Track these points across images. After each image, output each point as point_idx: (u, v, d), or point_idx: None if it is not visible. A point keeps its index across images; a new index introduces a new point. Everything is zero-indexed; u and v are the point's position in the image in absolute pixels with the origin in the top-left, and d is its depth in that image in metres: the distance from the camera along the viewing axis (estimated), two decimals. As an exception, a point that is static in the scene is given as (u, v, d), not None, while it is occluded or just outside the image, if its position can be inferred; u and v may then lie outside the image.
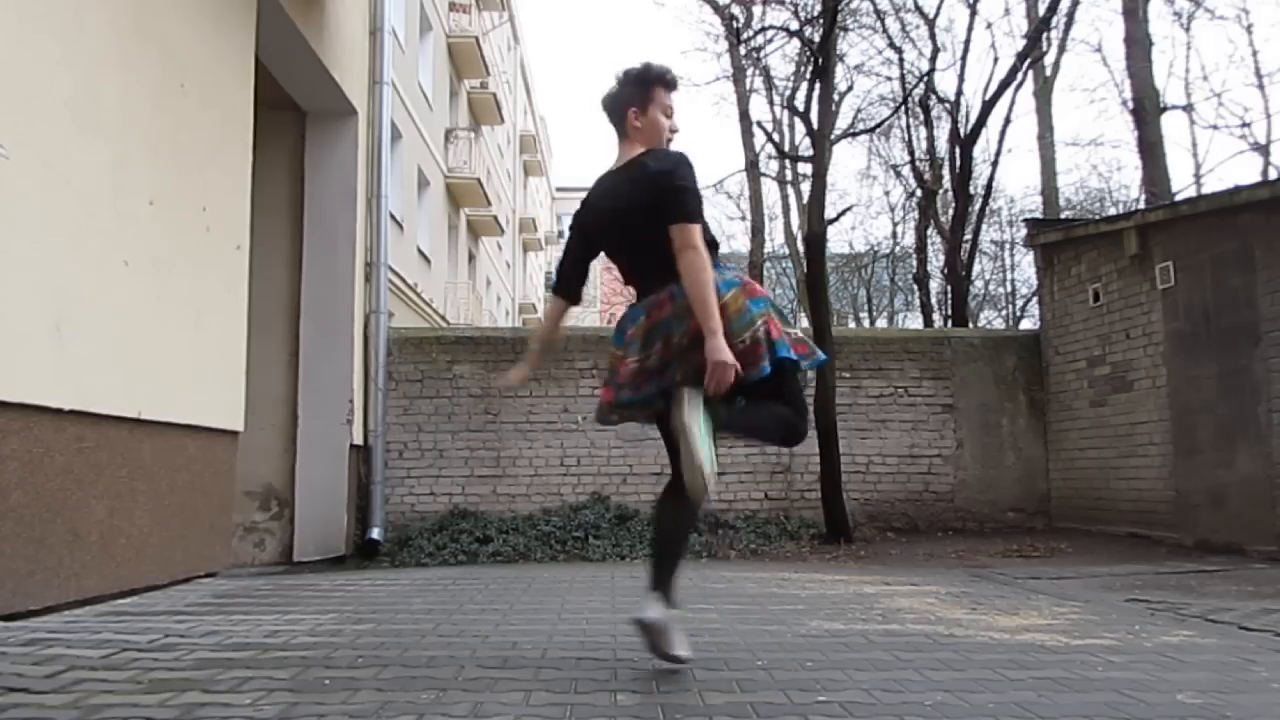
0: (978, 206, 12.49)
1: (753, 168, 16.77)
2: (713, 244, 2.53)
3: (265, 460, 6.73)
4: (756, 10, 11.70)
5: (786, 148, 17.13)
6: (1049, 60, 15.75)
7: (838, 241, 23.92)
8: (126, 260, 4.01)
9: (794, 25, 10.33)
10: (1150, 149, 11.77)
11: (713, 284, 2.38)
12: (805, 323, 15.97)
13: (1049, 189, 17.57)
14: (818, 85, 8.26)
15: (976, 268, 16.79)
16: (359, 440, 7.11)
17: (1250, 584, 4.58)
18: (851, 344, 8.09)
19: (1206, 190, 16.32)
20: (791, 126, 18.64)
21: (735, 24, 11.91)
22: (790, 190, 19.55)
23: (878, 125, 14.31)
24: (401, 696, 2.23)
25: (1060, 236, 7.98)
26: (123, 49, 4.00)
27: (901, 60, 12.71)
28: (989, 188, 12.59)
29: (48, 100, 3.51)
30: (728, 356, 2.29)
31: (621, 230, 2.58)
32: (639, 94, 2.61)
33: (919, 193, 13.60)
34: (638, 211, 2.49)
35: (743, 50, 13.31)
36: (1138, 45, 11.88)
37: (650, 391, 2.46)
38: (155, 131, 4.25)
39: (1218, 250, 6.19)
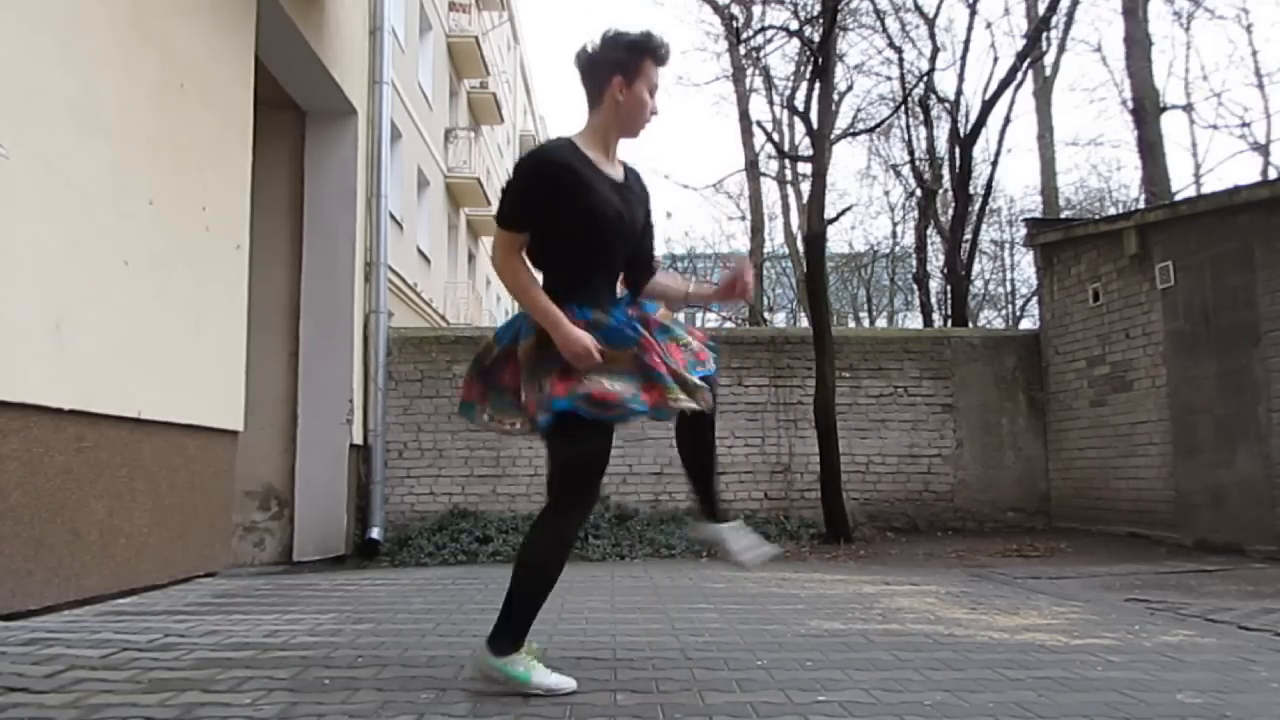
0: (977, 206, 12.48)
1: (752, 167, 16.79)
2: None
3: (265, 460, 6.73)
4: (756, 10, 11.70)
5: (786, 147, 17.13)
6: (1049, 60, 15.75)
7: (838, 241, 23.93)
8: (126, 260, 4.01)
9: (794, 25, 10.33)
10: (1150, 149, 11.78)
11: (522, 291, 2.26)
12: (805, 322, 15.99)
13: (1049, 189, 17.58)
14: (817, 85, 8.26)
15: (976, 268, 16.79)
16: (359, 440, 7.11)
17: (1250, 584, 4.58)
18: (851, 344, 8.09)
19: (1206, 190, 16.33)
20: (791, 126, 18.66)
21: (735, 24, 11.91)
22: (790, 190, 19.55)
23: (878, 125, 14.31)
24: (401, 696, 2.23)
25: (1060, 236, 7.98)
26: (122, 49, 4.00)
27: (901, 60, 12.71)
28: (989, 187, 12.59)
29: (48, 100, 3.51)
30: (583, 341, 2.17)
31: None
32: (629, 63, 2.30)
33: (919, 192, 13.59)
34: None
35: (743, 50, 13.32)
36: (1137, 45, 11.88)
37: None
38: (155, 131, 4.25)
39: (1217, 250, 6.19)
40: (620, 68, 2.30)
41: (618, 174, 2.39)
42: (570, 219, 2.26)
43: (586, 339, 2.18)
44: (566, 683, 2.26)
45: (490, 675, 2.23)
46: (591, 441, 2.24)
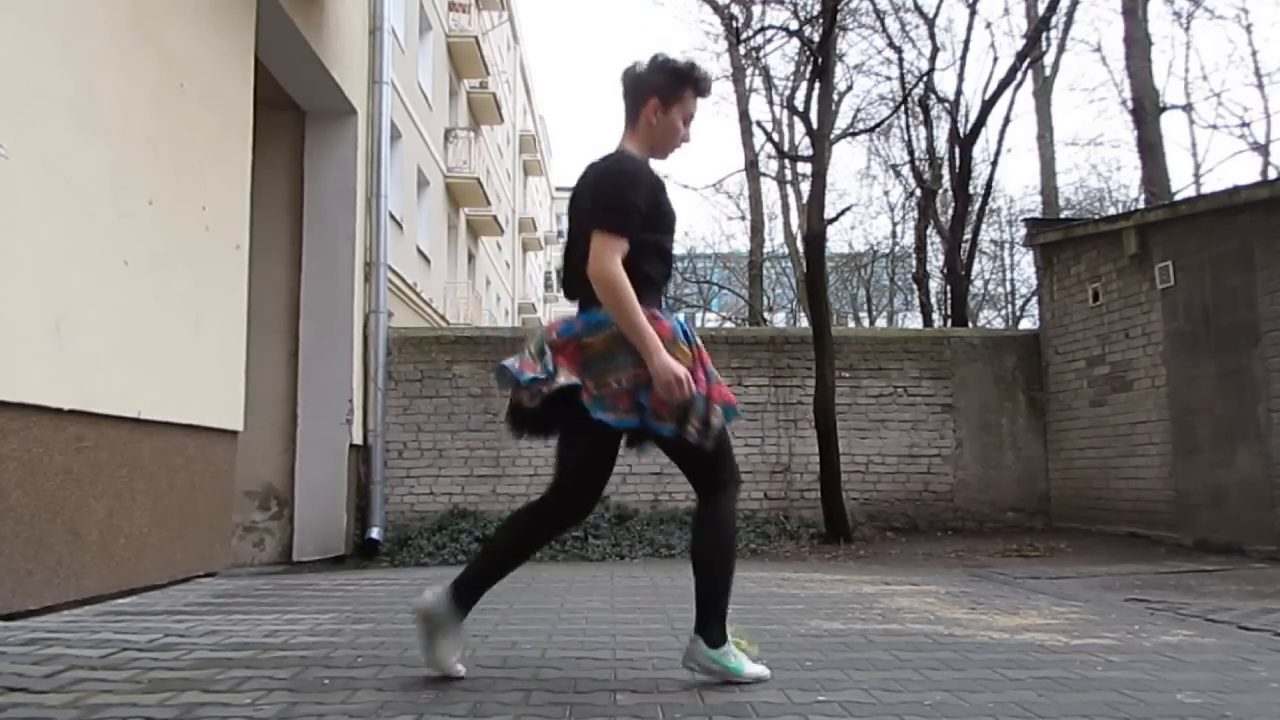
0: (977, 206, 12.49)
1: (752, 167, 16.80)
2: (652, 277, 2.36)
3: (265, 460, 6.73)
4: (756, 10, 11.70)
5: (786, 147, 17.14)
6: (1048, 60, 15.75)
7: (837, 241, 23.95)
8: (126, 260, 4.01)
9: (794, 25, 10.34)
10: (1150, 149, 11.78)
11: (626, 303, 2.22)
12: (805, 322, 15.98)
13: (1048, 189, 17.58)
14: (817, 85, 8.26)
15: (976, 267, 16.80)
16: (358, 440, 7.10)
17: (1250, 584, 4.58)
18: (851, 344, 8.09)
19: (1206, 190, 16.33)
20: (791, 126, 18.67)
21: (735, 24, 11.91)
22: (790, 190, 19.55)
23: (877, 125, 14.32)
24: (401, 696, 2.23)
25: (1060, 236, 7.98)
26: (122, 49, 4.00)
27: (901, 60, 12.73)
28: (988, 187, 12.59)
29: (48, 100, 3.51)
30: (677, 370, 2.19)
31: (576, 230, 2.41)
32: (670, 88, 2.40)
33: (918, 192, 13.60)
34: (583, 213, 2.36)
35: (742, 50, 13.32)
36: (1137, 45, 11.89)
37: (630, 421, 2.27)
38: (155, 131, 4.25)
39: (1217, 250, 6.19)
40: (659, 91, 2.40)
41: None
42: (659, 231, 2.38)
43: (680, 369, 2.21)
44: (764, 672, 2.38)
45: (708, 668, 2.33)
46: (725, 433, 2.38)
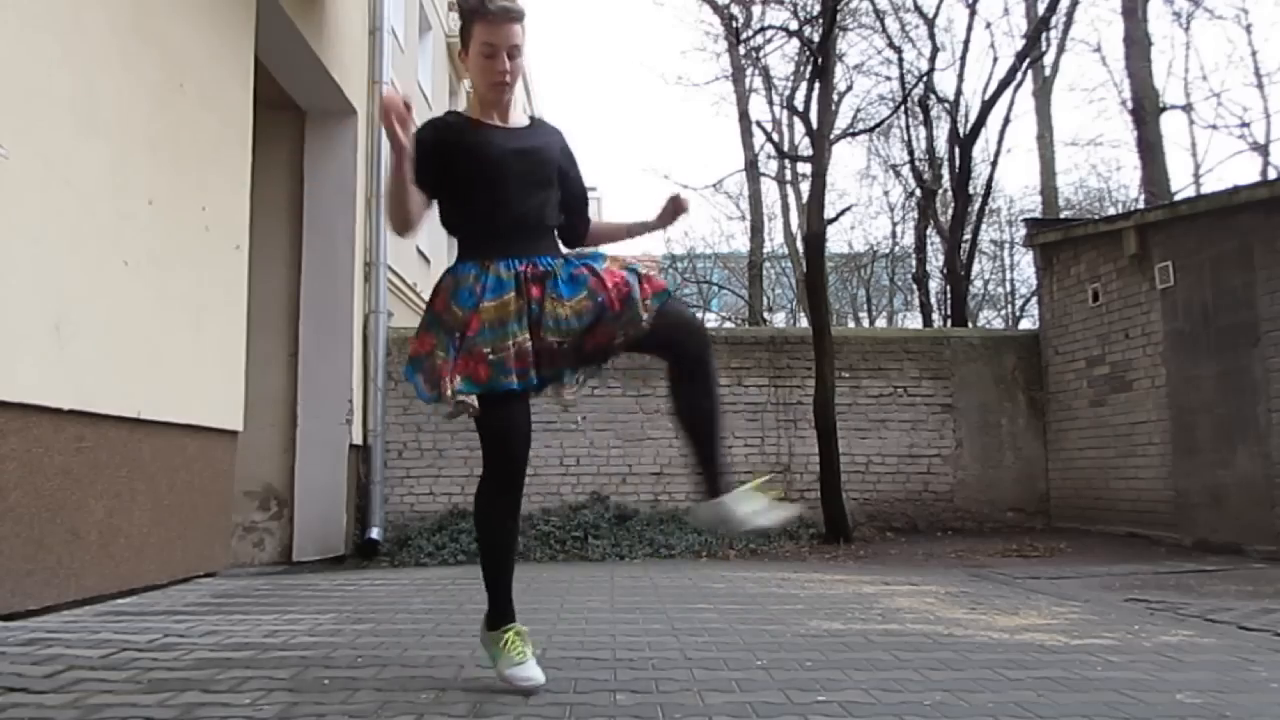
0: (977, 206, 12.49)
1: (752, 167, 16.80)
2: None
3: (265, 460, 6.72)
4: (756, 10, 11.69)
5: (786, 147, 17.13)
6: (1048, 60, 15.74)
7: (837, 241, 23.85)
8: (126, 260, 4.01)
9: (793, 25, 10.32)
10: (1149, 149, 11.78)
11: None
12: (805, 322, 15.98)
13: (1048, 189, 17.57)
14: (817, 85, 8.26)
15: (976, 268, 16.76)
16: (358, 440, 7.10)
17: (1250, 584, 4.58)
18: (851, 344, 8.09)
19: (1206, 190, 16.31)
20: (791, 126, 18.64)
21: (735, 24, 11.90)
22: (790, 190, 19.56)
23: (877, 125, 14.30)
24: (401, 696, 2.23)
25: (1059, 236, 7.98)
26: (122, 49, 4.00)
27: (901, 60, 12.72)
28: (988, 187, 12.60)
29: (47, 100, 3.51)
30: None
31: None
32: (462, 32, 2.31)
33: (918, 193, 13.59)
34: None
35: (742, 50, 13.32)
36: (1137, 45, 11.89)
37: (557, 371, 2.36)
38: (155, 131, 4.25)
39: (1217, 250, 6.19)
40: (460, 39, 2.35)
41: (515, 125, 2.41)
42: (460, 169, 2.32)
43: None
44: (531, 678, 2.26)
45: (488, 651, 2.40)
46: (494, 414, 2.41)
